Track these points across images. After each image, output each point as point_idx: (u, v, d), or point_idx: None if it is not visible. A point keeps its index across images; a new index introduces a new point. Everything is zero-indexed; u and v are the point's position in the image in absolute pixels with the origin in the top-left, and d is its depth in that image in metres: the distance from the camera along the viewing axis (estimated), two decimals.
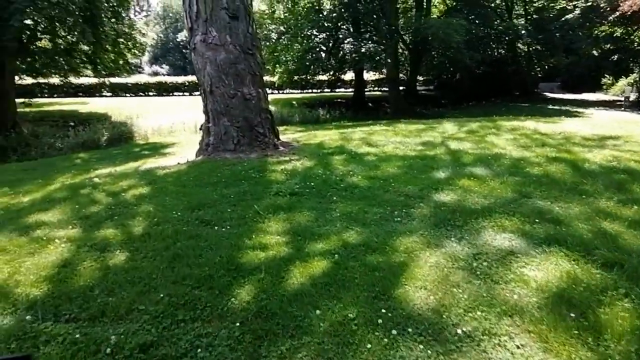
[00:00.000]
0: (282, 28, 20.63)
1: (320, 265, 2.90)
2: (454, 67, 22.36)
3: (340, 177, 4.96)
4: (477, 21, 21.95)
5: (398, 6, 21.28)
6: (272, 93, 27.16)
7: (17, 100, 15.49)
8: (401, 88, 21.60)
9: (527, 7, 27.79)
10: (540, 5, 27.49)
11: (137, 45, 17.03)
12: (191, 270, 2.93)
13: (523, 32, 24.67)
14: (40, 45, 15.02)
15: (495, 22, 24.59)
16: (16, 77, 15.76)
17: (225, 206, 4.17)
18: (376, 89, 29.50)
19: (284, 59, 19.73)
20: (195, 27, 6.26)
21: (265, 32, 21.15)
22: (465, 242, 3.26)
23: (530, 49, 28.09)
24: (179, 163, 6.89)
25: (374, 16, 19.59)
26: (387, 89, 23.46)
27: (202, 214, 3.97)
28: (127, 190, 5.15)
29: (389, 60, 18.31)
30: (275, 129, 7.28)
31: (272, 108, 17.14)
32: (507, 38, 25.46)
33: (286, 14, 21.20)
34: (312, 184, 4.72)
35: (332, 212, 3.90)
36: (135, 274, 2.94)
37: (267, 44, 20.85)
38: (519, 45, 27.72)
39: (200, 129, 7.10)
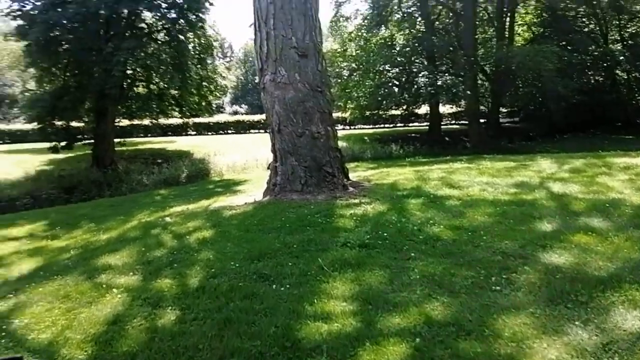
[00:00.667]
0: (353, 65, 20.79)
1: (397, 352, 2.27)
2: (543, 96, 20.45)
3: (418, 226, 4.29)
4: (569, 47, 20.05)
5: (477, 37, 20.35)
6: (343, 129, 27.24)
7: (115, 140, 17.25)
8: (482, 120, 20.22)
9: (622, 32, 24.96)
10: (634, 31, 24.50)
11: (218, 87, 18.23)
12: (241, 342, 2.49)
13: (621, 58, 21.98)
14: (136, 91, 16.75)
15: (590, 48, 22.29)
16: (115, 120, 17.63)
17: (287, 258, 3.74)
18: (453, 122, 28.16)
19: (356, 95, 19.70)
20: (265, 67, 6.23)
21: (337, 69, 21.49)
22: (592, 327, 2.42)
23: (630, 75, 24.90)
24: (246, 203, 6.73)
25: (450, 48, 18.88)
26: (465, 122, 22.17)
27: (262, 267, 3.57)
28: (192, 233, 5.01)
29: (468, 92, 17.30)
30: (344, 168, 6.86)
31: (343, 144, 16.98)
32: (604, 65, 22.85)
33: (358, 51, 21.40)
34: (385, 233, 4.12)
35: (410, 272, 3.26)
36: (181, 341, 2.58)
37: (339, 81, 21.09)
38: (617, 72, 24.75)
39: (268, 168, 6.93)
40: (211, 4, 16.06)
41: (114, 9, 13.29)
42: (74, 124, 15.80)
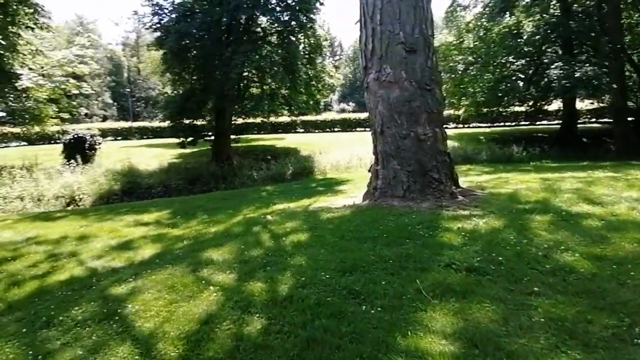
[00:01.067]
0: (470, 58, 19.10)
1: None
2: None
3: (544, 251, 3.56)
4: None
5: (622, 21, 16.91)
6: (455, 127, 25.45)
7: (232, 137, 18.81)
8: (629, 119, 16.78)
9: None
10: None
11: (326, 86, 18.53)
12: None
13: None
14: (251, 92, 17.98)
15: None
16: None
17: (381, 274, 3.42)
18: (592, 120, 24.05)
19: (472, 90, 18.08)
20: (370, 66, 5.93)
21: (451, 64, 20.02)
22: None
23: None
24: (345, 206, 6.56)
25: (592, 34, 16.01)
26: (608, 121, 18.70)
27: (353, 281, 3.31)
28: (288, 235, 5.00)
29: (614, 85, 14.44)
30: (453, 174, 6.19)
31: (454, 144, 15.72)
32: None
33: (476, 43, 19.59)
34: (500, 257, 3.49)
35: (532, 312, 2.66)
36: (263, 356, 2.47)
37: (453, 76, 19.62)
38: None
39: (369, 170, 6.64)
40: (322, 4, 16.38)
41: (233, 16, 14.45)
42: (198, 122, 17.68)
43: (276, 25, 16.13)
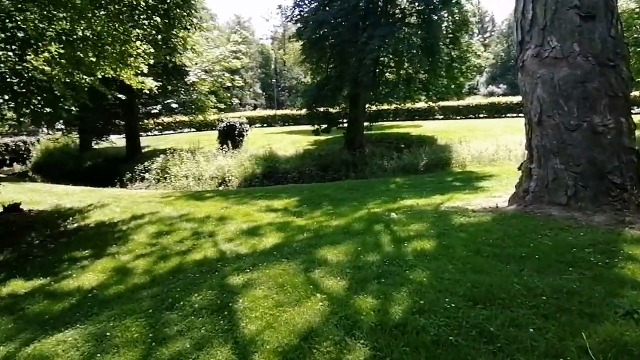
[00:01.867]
0: None
1: None
2: None
3: None
4: None
5: None
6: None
7: (365, 124, 18.56)
8: None
9: None
10: None
11: (471, 67, 16.61)
12: None
13: None
14: (386, 77, 17.33)
15: None
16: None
17: (529, 314, 2.59)
18: None
19: None
20: (528, 40, 4.75)
21: (636, 35, 15.64)
22: None
23: None
24: (484, 209, 5.58)
25: None
26: None
27: (487, 318, 2.59)
28: (411, 240, 4.40)
29: None
30: None
31: None
32: None
33: None
34: None
35: None
36: None
37: (638, 49, 15.33)
38: None
39: (519, 169, 5.46)
40: None
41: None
42: (333, 110, 17.93)
43: (416, 4, 15.02)
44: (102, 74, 9.07)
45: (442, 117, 27.43)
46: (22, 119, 7.69)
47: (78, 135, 21.91)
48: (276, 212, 7.61)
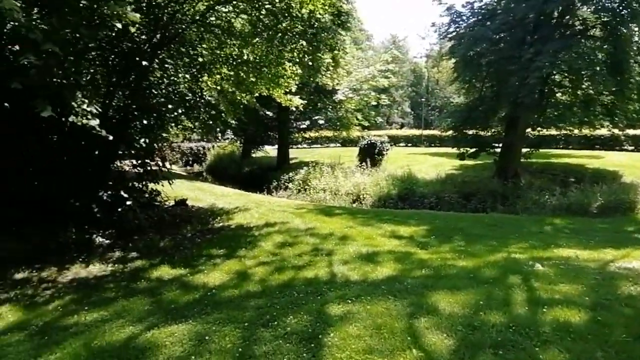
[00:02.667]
0: None
1: None
2: None
3: None
4: None
5: None
6: None
7: (523, 150, 16.28)
8: None
9: None
10: None
11: None
12: None
13: None
14: (557, 98, 14.91)
15: None
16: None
17: None
18: None
19: None
20: None
21: None
22: None
23: None
24: None
25: None
26: None
27: None
28: (554, 305, 3.50)
29: None
30: None
31: None
32: None
33: None
34: None
35: None
36: None
37: None
38: None
39: None
40: None
41: (542, 10, 12.19)
42: (483, 133, 16.29)
43: (601, 14, 12.49)
44: (258, 92, 10.23)
45: (632, 147, 22.18)
46: (193, 129, 9.20)
47: (241, 144, 25.37)
48: (400, 240, 7.18)
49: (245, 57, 8.89)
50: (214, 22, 7.66)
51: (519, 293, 3.89)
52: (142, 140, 7.01)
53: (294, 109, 15.95)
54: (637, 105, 13.38)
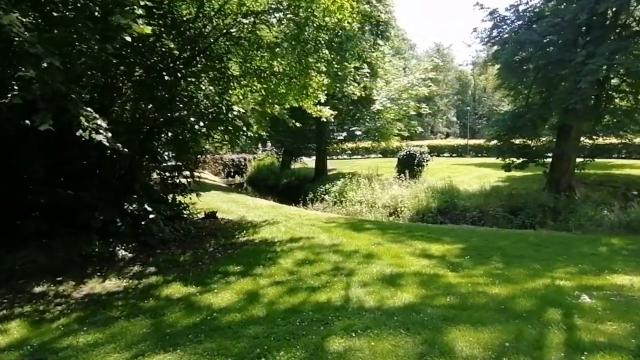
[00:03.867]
0: None
1: None
2: None
3: None
4: None
5: None
6: None
7: (579, 160, 14.89)
8: None
9: None
10: None
11: None
12: None
13: None
14: (616, 103, 13.54)
15: None
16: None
17: None
18: None
19: None
20: None
21: None
22: None
23: None
24: None
25: None
26: None
27: None
28: (596, 351, 2.90)
29: None
30: None
31: None
32: None
33: None
34: None
35: None
36: None
37: None
38: None
39: None
40: None
41: (593, 10, 11.10)
42: (531, 142, 15.09)
43: None
44: (288, 104, 10.11)
45: None
46: (223, 142, 9.22)
47: (279, 156, 25.56)
48: (430, 259, 6.63)
49: (275, 69, 8.82)
50: (239, 34, 7.63)
51: (556, 333, 3.30)
52: (166, 153, 7.05)
53: (331, 119, 15.80)
54: None
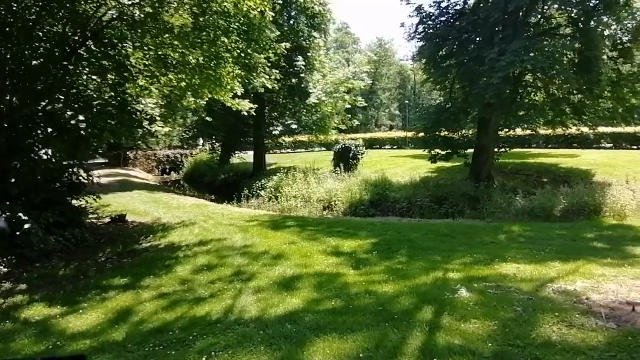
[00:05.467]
0: None
1: None
2: None
3: None
4: None
5: None
6: None
7: (501, 150, 15.67)
8: None
9: None
10: None
11: None
12: None
13: None
14: (526, 99, 14.35)
15: None
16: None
17: None
18: None
19: None
20: None
21: None
22: None
23: None
24: (613, 307, 3.48)
25: None
26: None
27: None
28: (452, 356, 2.82)
29: None
30: None
31: None
32: None
33: None
34: None
35: None
36: None
37: None
38: None
39: None
40: None
41: (506, 9, 11.59)
42: (455, 135, 15.67)
43: (568, 10, 11.93)
44: (205, 96, 9.54)
45: (610, 145, 21.68)
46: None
47: (216, 151, 24.63)
48: (338, 257, 6.50)
49: (188, 58, 8.22)
50: (139, 17, 6.94)
51: (417, 336, 3.23)
52: (44, 151, 6.28)
53: (267, 112, 15.26)
54: (610, 104, 12.81)
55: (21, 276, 5.80)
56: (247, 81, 8.71)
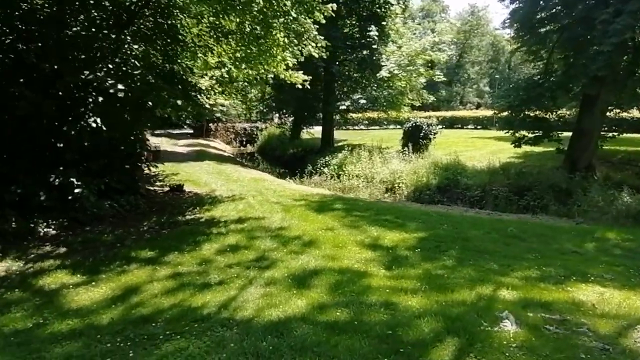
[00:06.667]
0: None
1: None
2: None
3: None
4: None
5: None
6: None
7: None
8: None
9: None
10: None
11: None
12: None
13: None
14: None
15: None
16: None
17: None
18: None
19: None
20: None
21: None
22: None
23: None
24: None
25: None
26: None
27: None
28: None
29: None
30: None
31: None
32: None
33: None
34: None
35: None
36: None
37: None
38: None
39: None
40: None
41: None
42: (548, 115, 13.31)
43: None
44: (257, 69, 9.19)
45: None
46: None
47: (288, 125, 24.68)
48: (374, 251, 5.77)
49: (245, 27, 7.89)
50: None
51: None
52: (93, 119, 6.44)
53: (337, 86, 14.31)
54: None
55: (66, 239, 6.10)
56: (298, 50, 8.10)
